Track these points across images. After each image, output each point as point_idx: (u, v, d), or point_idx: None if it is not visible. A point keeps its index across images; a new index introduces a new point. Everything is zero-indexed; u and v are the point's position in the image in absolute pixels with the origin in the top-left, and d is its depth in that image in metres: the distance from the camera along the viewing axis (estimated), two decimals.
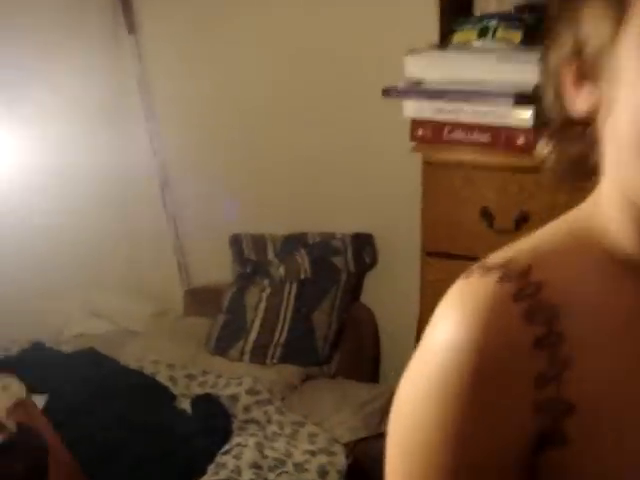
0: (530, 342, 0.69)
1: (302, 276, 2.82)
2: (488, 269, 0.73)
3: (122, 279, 3.34)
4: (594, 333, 0.71)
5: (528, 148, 1.94)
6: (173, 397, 2.62)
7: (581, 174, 0.76)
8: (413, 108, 2.07)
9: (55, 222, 3.02)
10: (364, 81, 2.66)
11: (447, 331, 0.71)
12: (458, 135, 2.05)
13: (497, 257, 0.75)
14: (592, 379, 0.70)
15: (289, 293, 2.81)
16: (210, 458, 2.26)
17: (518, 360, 0.69)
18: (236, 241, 2.99)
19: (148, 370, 2.73)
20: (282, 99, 2.95)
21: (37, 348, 2.86)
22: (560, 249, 0.75)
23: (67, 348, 2.91)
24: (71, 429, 2.26)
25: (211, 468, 2.21)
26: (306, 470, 2.21)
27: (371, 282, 2.94)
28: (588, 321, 0.71)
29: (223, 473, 2.16)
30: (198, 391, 2.61)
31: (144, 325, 3.18)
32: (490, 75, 1.98)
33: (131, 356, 2.85)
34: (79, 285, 3.19)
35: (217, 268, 3.12)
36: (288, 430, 2.38)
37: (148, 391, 2.61)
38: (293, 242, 2.90)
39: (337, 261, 2.80)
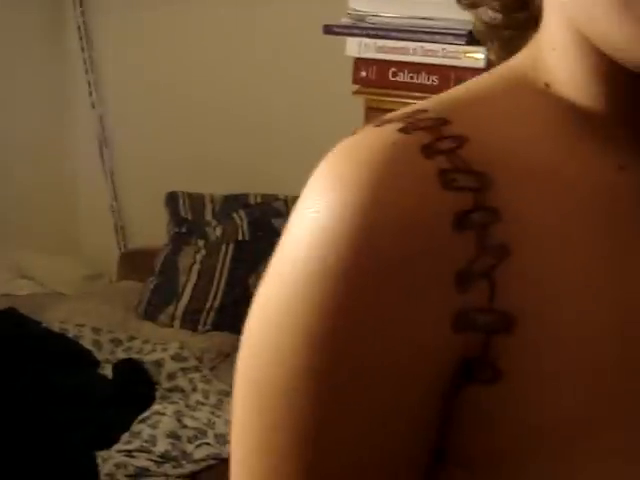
0: (448, 219, 0.48)
1: (240, 237, 2.65)
2: (385, 121, 0.51)
3: (54, 239, 3.18)
4: (543, 213, 0.50)
5: None
6: (97, 362, 2.46)
7: (515, 24, 0.57)
8: (356, 46, 1.89)
9: None
10: (304, 18, 2.48)
11: (315, 217, 0.49)
12: (404, 77, 1.87)
13: (401, 110, 0.53)
14: (540, 281, 0.49)
15: (225, 255, 2.64)
16: (127, 426, 2.08)
17: (429, 248, 0.48)
18: (172, 199, 2.80)
19: (71, 333, 2.58)
20: (221, 50, 2.79)
21: None
22: (492, 99, 0.54)
23: None
24: None
25: (125, 437, 2.04)
26: (228, 442, 2.03)
27: None
28: (534, 196, 0.51)
29: (136, 442, 1.99)
30: (123, 357, 2.45)
31: (75, 288, 3.02)
32: (441, 11, 1.80)
33: (55, 319, 2.68)
34: (6, 243, 3.01)
35: (156, 230, 2.94)
36: (213, 399, 2.22)
37: (68, 355, 2.45)
38: (233, 203, 2.74)
39: (278, 223, 2.62)
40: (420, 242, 0.48)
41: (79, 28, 3.03)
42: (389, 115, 0.52)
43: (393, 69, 1.89)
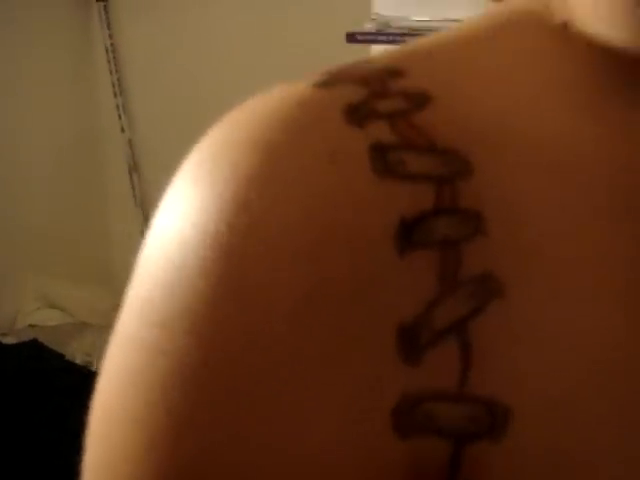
0: (388, 234, 0.28)
1: None
2: (307, 75, 0.33)
3: (84, 268, 3.07)
4: (555, 219, 0.31)
5: None
6: None
7: None
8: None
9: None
10: (326, 24, 2.34)
11: (167, 222, 0.31)
12: None
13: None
14: (551, 339, 0.29)
15: None
16: None
17: (352, 284, 0.28)
18: None
19: (95, 366, 2.46)
20: (248, 66, 2.67)
21: None
22: (480, 41, 0.34)
23: (12, 340, 2.65)
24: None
25: None
26: None
27: None
28: (543, 191, 0.31)
29: None
30: None
31: (105, 318, 2.91)
32: (473, 12, 1.65)
33: (80, 350, 2.57)
34: (34, 273, 2.92)
35: None
36: None
37: (89, 390, 2.33)
38: None
39: None
40: (336, 272, 0.28)
41: (107, 50, 2.94)
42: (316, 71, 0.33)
43: None
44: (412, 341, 0.28)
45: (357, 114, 0.30)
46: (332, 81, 0.31)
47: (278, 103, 0.31)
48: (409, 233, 0.28)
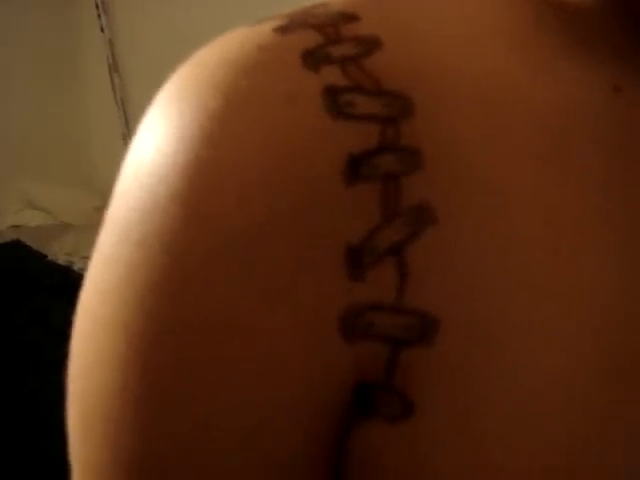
0: (337, 166, 0.32)
1: None
2: (265, 19, 0.35)
3: (65, 170, 3.08)
4: (493, 158, 0.33)
5: None
6: None
7: None
8: None
9: None
10: None
11: (141, 152, 0.34)
12: None
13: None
14: (482, 263, 0.32)
15: None
16: None
17: (303, 208, 0.32)
18: None
19: (77, 266, 2.50)
20: None
21: None
22: None
23: None
24: None
25: None
26: None
27: None
28: (481, 131, 0.34)
29: None
30: None
31: (86, 219, 2.94)
32: None
33: (62, 251, 2.60)
34: (16, 175, 2.92)
35: None
36: None
37: (71, 290, 2.35)
38: None
39: None
40: (289, 199, 0.31)
41: None
42: (277, 14, 0.36)
43: None
44: (357, 260, 0.32)
45: (312, 59, 0.33)
46: (291, 26, 0.34)
47: (240, 47, 0.34)
48: (356, 167, 0.32)
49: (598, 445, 0.33)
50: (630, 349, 0.33)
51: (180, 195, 0.32)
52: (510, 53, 0.35)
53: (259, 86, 0.32)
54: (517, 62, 0.35)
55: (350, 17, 0.34)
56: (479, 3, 0.37)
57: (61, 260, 2.54)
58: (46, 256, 2.56)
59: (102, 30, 2.93)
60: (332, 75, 0.33)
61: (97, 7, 2.89)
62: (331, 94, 0.32)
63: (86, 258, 2.54)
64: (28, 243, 2.61)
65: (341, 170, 0.32)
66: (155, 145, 0.34)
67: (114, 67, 2.96)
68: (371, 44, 0.34)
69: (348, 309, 0.32)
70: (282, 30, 0.34)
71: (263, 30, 0.34)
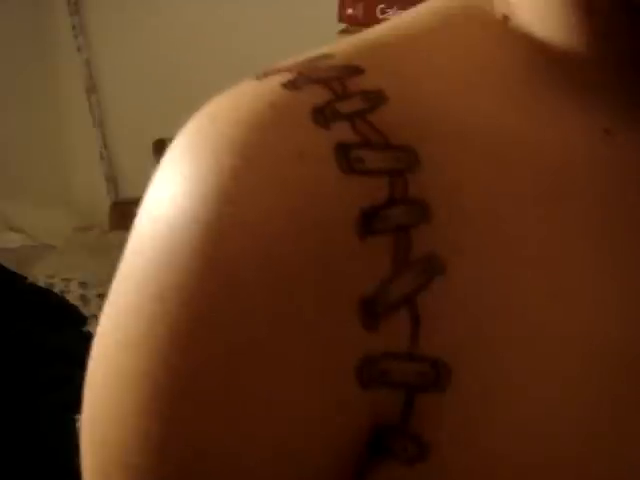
0: (350, 219, 0.33)
1: None
2: (272, 71, 0.37)
3: (44, 190, 3.07)
4: (496, 205, 0.35)
5: None
6: (83, 319, 2.36)
7: None
8: None
9: None
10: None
11: (170, 197, 0.35)
12: (393, 14, 1.74)
13: (300, 55, 0.39)
14: (489, 309, 0.34)
15: None
16: None
17: (319, 262, 0.33)
18: (161, 148, 2.67)
19: (57, 288, 2.49)
20: None
21: None
22: (427, 37, 0.39)
23: None
24: None
25: None
26: None
27: None
28: (483, 180, 0.35)
29: None
30: None
31: (66, 240, 2.93)
32: None
33: (42, 273, 2.59)
34: None
35: (149, 179, 2.83)
36: None
37: (53, 312, 2.36)
38: None
39: None
40: (305, 255, 0.33)
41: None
42: (280, 63, 0.37)
43: (382, 5, 1.76)
44: (371, 311, 0.33)
45: (322, 116, 0.34)
46: (299, 82, 0.35)
47: (252, 104, 0.35)
48: (368, 221, 0.33)
49: None
50: (626, 392, 0.35)
51: (199, 250, 0.33)
52: (503, 97, 0.37)
53: (273, 144, 0.34)
54: (511, 107, 0.37)
55: (354, 70, 0.36)
56: (468, 43, 0.39)
57: (42, 282, 2.53)
58: (26, 278, 2.55)
59: (79, 50, 2.93)
60: (342, 131, 0.34)
61: (74, 28, 2.89)
62: (343, 151, 0.34)
63: (67, 280, 2.54)
64: (8, 265, 2.60)
65: (354, 224, 0.33)
66: (172, 200, 0.35)
67: (91, 88, 2.96)
68: (377, 98, 0.35)
69: (364, 358, 0.33)
70: (291, 86, 0.35)
71: (272, 86, 0.35)
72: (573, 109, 0.38)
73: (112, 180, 3.03)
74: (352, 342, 0.33)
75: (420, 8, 0.41)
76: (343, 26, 1.83)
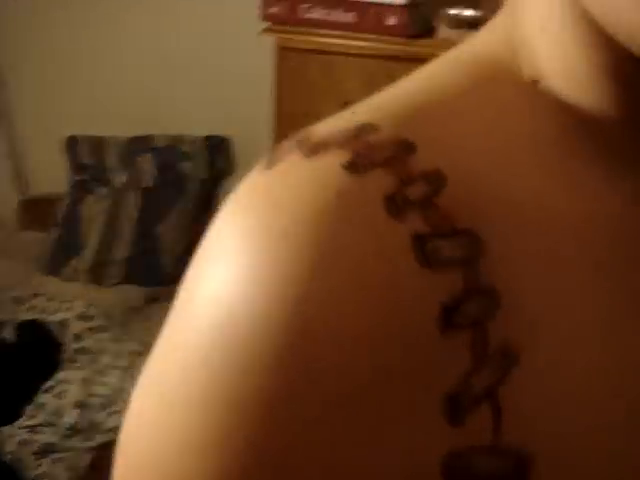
0: (432, 316, 0.33)
1: (145, 184, 2.48)
2: (317, 144, 0.35)
3: None
4: (554, 286, 0.36)
5: (401, 30, 1.64)
6: None
7: None
8: None
9: None
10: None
11: (222, 280, 0.34)
12: (317, 14, 1.72)
13: (332, 124, 0.36)
14: (560, 395, 0.35)
15: (131, 204, 2.47)
16: (31, 396, 1.94)
17: (405, 363, 0.33)
18: (72, 144, 2.61)
19: None
20: None
21: None
22: (463, 104, 0.37)
23: None
24: None
25: (29, 410, 1.90)
26: None
27: (229, 191, 2.60)
28: (538, 263, 0.35)
29: (40, 416, 1.85)
30: (27, 317, 2.28)
31: None
32: None
33: None
34: None
35: (58, 175, 2.76)
36: (124, 362, 2.07)
37: None
38: (137, 146, 2.55)
39: (186, 167, 2.47)
40: (391, 354, 0.32)
41: None
42: (319, 129, 0.35)
43: (306, 5, 1.74)
44: (456, 407, 0.33)
45: (395, 205, 0.33)
46: (360, 165, 0.34)
47: (316, 192, 0.33)
48: (449, 317, 0.33)
49: None
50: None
51: (284, 352, 0.32)
52: (537, 168, 0.37)
53: (349, 240, 0.32)
54: (546, 177, 0.37)
55: (407, 147, 0.34)
56: (499, 105, 0.38)
57: None
58: None
59: None
60: (416, 222, 0.33)
61: None
62: (419, 243, 0.33)
63: None
64: None
65: (435, 319, 0.33)
66: (249, 302, 0.33)
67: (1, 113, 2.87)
68: (438, 180, 0.34)
69: (449, 453, 0.33)
70: (352, 169, 0.33)
71: (333, 170, 0.34)
72: (603, 177, 0.38)
73: (21, 177, 2.95)
74: (438, 438, 0.33)
75: (444, 62, 0.40)
76: (265, 25, 1.81)
